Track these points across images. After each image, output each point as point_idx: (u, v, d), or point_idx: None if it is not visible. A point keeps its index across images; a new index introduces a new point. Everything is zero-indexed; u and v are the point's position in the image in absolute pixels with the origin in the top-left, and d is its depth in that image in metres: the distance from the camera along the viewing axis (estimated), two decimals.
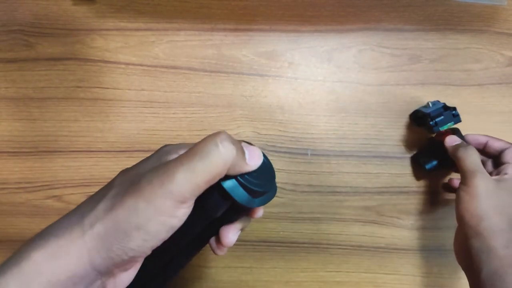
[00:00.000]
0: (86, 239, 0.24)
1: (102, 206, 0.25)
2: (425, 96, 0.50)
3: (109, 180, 0.29)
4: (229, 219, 0.30)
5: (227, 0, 0.49)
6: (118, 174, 0.29)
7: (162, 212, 0.24)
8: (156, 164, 0.27)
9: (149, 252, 0.25)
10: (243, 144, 0.28)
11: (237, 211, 0.29)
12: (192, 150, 0.25)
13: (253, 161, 0.27)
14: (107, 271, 0.25)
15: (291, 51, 0.50)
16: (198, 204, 0.25)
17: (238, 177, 0.26)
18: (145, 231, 0.24)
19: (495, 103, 0.50)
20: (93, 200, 0.27)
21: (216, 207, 0.27)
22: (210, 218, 0.28)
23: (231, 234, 0.30)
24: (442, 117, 0.44)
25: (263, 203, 0.28)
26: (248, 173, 0.27)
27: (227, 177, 0.26)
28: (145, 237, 0.24)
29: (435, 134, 0.49)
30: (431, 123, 0.44)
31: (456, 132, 0.48)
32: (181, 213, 0.25)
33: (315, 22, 0.49)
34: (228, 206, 0.28)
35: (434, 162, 0.47)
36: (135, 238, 0.24)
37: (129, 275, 0.27)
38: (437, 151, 0.48)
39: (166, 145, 0.30)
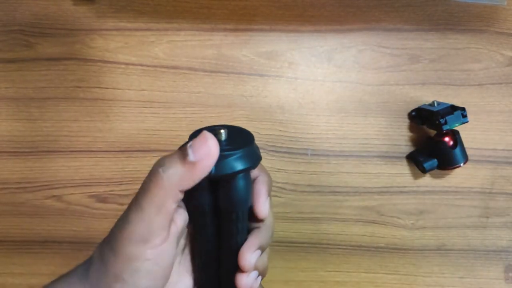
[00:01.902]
0: None
1: (91, 267, 0.25)
2: (425, 96, 0.50)
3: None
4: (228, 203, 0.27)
5: (227, 0, 0.49)
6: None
7: (130, 259, 0.23)
8: None
9: None
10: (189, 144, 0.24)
11: (227, 190, 0.26)
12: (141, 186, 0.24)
13: (198, 155, 0.23)
14: None
15: (291, 51, 0.50)
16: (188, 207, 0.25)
17: None
18: (122, 282, 0.23)
19: (495, 103, 0.50)
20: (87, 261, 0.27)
21: (196, 196, 0.26)
22: (204, 211, 0.27)
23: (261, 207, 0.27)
24: (452, 115, 0.45)
25: (240, 165, 0.25)
26: (221, 147, 0.24)
27: None
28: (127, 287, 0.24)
29: (434, 134, 0.49)
30: (440, 120, 0.44)
31: (456, 133, 0.48)
32: (150, 254, 0.23)
33: (315, 22, 0.49)
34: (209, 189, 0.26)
35: (434, 162, 0.47)
36: None
37: None
38: (436, 150, 0.48)
39: None
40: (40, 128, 0.50)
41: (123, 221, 0.24)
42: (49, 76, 0.50)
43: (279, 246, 0.51)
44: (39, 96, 0.50)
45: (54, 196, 0.51)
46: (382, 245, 0.51)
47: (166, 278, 0.25)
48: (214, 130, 0.25)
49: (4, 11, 0.49)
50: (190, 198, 0.26)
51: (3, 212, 0.51)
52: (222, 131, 0.25)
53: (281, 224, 0.51)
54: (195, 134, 0.25)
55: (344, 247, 0.51)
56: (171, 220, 0.25)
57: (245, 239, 0.28)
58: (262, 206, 0.27)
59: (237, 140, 0.26)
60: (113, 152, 0.50)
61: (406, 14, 0.49)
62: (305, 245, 0.51)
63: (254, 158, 0.26)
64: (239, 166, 0.24)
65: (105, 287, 0.24)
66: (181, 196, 0.24)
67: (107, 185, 0.50)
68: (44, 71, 0.49)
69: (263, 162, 0.51)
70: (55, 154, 0.50)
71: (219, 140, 0.24)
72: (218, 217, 0.27)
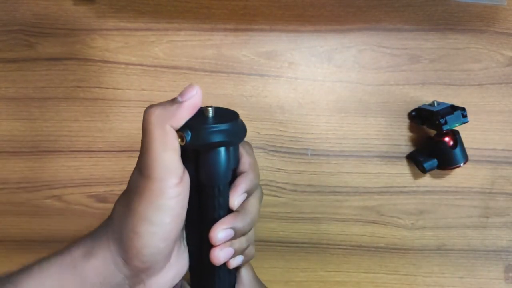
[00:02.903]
0: (110, 243, 0.27)
1: (115, 215, 0.28)
2: (425, 96, 0.50)
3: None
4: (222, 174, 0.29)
5: (227, 0, 0.49)
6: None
7: (154, 197, 0.25)
8: None
9: (162, 245, 0.26)
10: None
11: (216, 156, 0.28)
12: None
13: (184, 97, 0.26)
14: (132, 275, 0.27)
15: (291, 51, 0.50)
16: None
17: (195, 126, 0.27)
18: (148, 221, 0.25)
19: (495, 103, 0.50)
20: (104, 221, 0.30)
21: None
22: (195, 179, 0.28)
23: (234, 197, 0.30)
24: (452, 115, 0.45)
25: (227, 136, 0.27)
26: (204, 121, 0.27)
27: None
28: (151, 228, 0.25)
29: (434, 134, 0.49)
30: (441, 120, 0.44)
31: (456, 133, 0.48)
32: (172, 193, 0.26)
33: (315, 22, 0.49)
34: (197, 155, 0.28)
35: (434, 162, 0.47)
36: (143, 234, 0.25)
37: (160, 280, 0.28)
38: (436, 150, 0.48)
39: None
40: (40, 128, 0.50)
41: (139, 164, 0.27)
42: (49, 76, 0.50)
43: (279, 246, 0.51)
44: (40, 96, 0.50)
45: (54, 196, 0.51)
46: (382, 245, 0.51)
47: (183, 220, 0.28)
48: (201, 108, 0.28)
49: (4, 11, 0.49)
50: None
51: (3, 212, 0.51)
52: (210, 108, 0.28)
53: (281, 224, 0.51)
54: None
55: (344, 247, 0.51)
56: (181, 161, 0.27)
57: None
58: (234, 197, 0.29)
59: (222, 118, 0.28)
60: (113, 152, 0.50)
61: (406, 14, 0.49)
62: (305, 245, 0.51)
63: (232, 134, 0.28)
64: (215, 138, 0.27)
65: (129, 230, 0.26)
66: (178, 137, 0.27)
67: (107, 185, 0.50)
68: (44, 71, 0.49)
69: (263, 162, 0.51)
70: (55, 154, 0.50)
71: (206, 117, 0.28)
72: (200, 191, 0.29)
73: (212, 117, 0.28)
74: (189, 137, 0.26)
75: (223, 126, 0.27)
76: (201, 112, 0.28)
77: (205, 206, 0.29)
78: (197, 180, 0.28)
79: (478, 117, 0.50)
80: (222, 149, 0.28)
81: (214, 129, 0.27)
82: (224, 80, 0.50)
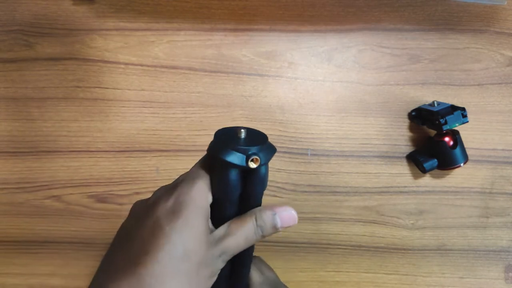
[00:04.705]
0: None
1: None
2: (425, 96, 0.50)
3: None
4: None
5: (227, 0, 0.49)
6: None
7: None
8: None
9: None
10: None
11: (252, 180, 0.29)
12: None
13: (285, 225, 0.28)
14: None
15: (291, 51, 0.50)
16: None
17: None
18: None
19: (495, 103, 0.50)
20: None
21: (228, 180, 0.28)
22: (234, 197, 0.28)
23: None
24: (452, 115, 0.45)
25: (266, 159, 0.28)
26: (238, 142, 0.28)
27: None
28: None
29: (434, 134, 0.49)
30: (441, 120, 0.44)
31: (456, 133, 0.48)
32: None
33: (315, 22, 0.49)
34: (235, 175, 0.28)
35: (434, 162, 0.47)
36: None
37: None
38: (436, 150, 0.48)
39: (136, 204, 0.30)
40: (40, 128, 0.50)
41: None
42: (48, 76, 0.49)
43: (279, 246, 0.51)
44: (39, 96, 0.50)
45: (53, 196, 0.51)
46: (382, 245, 0.51)
47: None
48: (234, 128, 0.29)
49: (3, 11, 0.49)
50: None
51: (2, 212, 0.51)
52: (243, 130, 0.29)
53: None
54: (220, 134, 0.29)
55: (344, 247, 0.51)
56: None
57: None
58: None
59: (254, 140, 0.28)
60: (113, 152, 0.50)
61: (406, 14, 0.49)
62: (305, 245, 0.51)
63: (239, 159, 0.28)
64: (230, 159, 0.27)
65: None
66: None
67: (106, 185, 0.50)
68: (43, 71, 0.49)
69: None
70: (54, 154, 0.50)
71: (239, 138, 0.28)
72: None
73: (245, 138, 0.28)
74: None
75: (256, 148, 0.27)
76: (235, 132, 0.28)
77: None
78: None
79: (478, 117, 0.50)
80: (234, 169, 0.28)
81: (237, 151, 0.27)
82: (224, 80, 0.50)
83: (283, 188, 0.51)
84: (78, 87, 0.50)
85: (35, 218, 0.51)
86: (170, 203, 0.25)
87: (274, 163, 0.50)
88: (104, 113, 0.50)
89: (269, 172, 0.51)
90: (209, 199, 0.27)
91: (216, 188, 0.27)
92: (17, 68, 0.49)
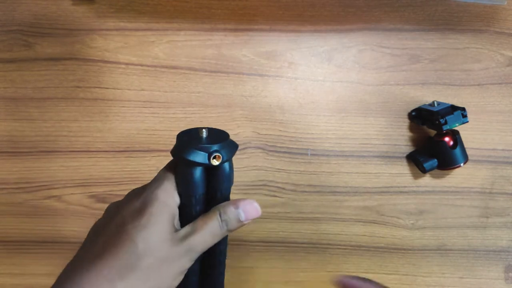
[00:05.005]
0: None
1: None
2: (425, 96, 0.50)
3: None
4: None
5: (227, 0, 0.49)
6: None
7: None
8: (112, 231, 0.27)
9: None
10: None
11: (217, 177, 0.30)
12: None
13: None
14: None
15: (291, 51, 0.50)
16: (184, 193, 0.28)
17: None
18: None
19: (495, 103, 0.50)
20: None
21: (190, 178, 0.28)
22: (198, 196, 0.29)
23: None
24: (452, 115, 0.45)
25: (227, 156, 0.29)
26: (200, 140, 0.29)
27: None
28: None
29: (434, 134, 0.49)
30: (441, 120, 0.44)
31: (456, 133, 0.48)
32: None
33: (315, 22, 0.49)
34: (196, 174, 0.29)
35: (434, 162, 0.47)
36: None
37: None
38: (436, 150, 0.48)
39: (111, 204, 0.31)
40: (40, 128, 0.50)
41: None
42: (48, 76, 0.49)
43: (279, 247, 0.51)
44: (39, 96, 0.49)
45: (53, 196, 0.51)
46: (382, 245, 0.51)
47: None
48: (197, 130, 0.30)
49: (3, 11, 0.49)
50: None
51: (2, 212, 0.51)
52: (204, 130, 0.30)
53: (281, 224, 0.51)
54: (182, 135, 0.30)
55: (344, 247, 0.51)
56: None
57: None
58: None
59: (216, 139, 0.29)
60: (113, 152, 0.50)
61: (406, 14, 0.49)
62: (305, 245, 0.51)
63: (201, 157, 0.28)
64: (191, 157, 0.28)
65: None
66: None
67: (106, 185, 0.50)
68: (43, 71, 0.49)
69: (263, 162, 0.51)
70: (54, 154, 0.50)
71: (200, 137, 0.29)
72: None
73: (207, 137, 0.29)
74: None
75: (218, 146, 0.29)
76: (196, 132, 0.30)
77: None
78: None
79: (478, 117, 0.50)
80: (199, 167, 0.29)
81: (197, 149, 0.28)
82: (224, 80, 0.50)
83: (283, 188, 0.51)
84: (78, 87, 0.50)
85: (34, 218, 0.51)
86: (137, 203, 0.27)
87: (274, 163, 0.50)
88: (104, 113, 0.50)
89: (269, 172, 0.51)
90: (176, 199, 0.28)
91: (182, 187, 0.28)
92: (17, 68, 0.49)
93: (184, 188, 0.28)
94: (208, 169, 0.29)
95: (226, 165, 0.30)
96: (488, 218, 0.51)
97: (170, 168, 0.29)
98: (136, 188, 0.30)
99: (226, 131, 0.31)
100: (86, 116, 0.50)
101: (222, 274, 0.32)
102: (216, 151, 0.28)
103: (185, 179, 0.28)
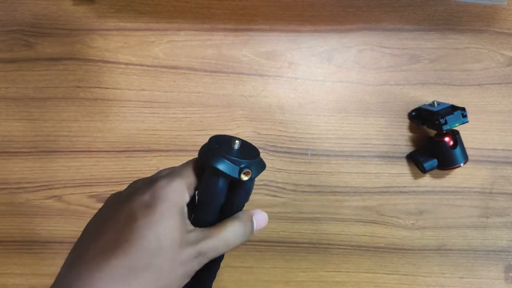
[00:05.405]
0: None
1: None
2: (425, 96, 0.50)
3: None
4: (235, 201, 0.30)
5: (227, 0, 0.49)
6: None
7: None
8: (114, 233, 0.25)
9: None
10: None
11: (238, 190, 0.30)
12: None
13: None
14: None
15: (291, 51, 0.50)
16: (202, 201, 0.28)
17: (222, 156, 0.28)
18: None
19: (495, 103, 0.50)
20: None
21: (213, 188, 0.28)
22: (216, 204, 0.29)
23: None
24: (452, 115, 0.45)
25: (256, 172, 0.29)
26: (230, 152, 0.28)
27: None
28: None
29: (434, 134, 0.49)
30: (441, 120, 0.44)
31: (456, 133, 0.48)
32: None
33: (315, 22, 0.49)
34: (222, 185, 0.29)
35: (434, 162, 0.47)
36: None
37: None
38: (436, 150, 0.48)
39: (111, 196, 0.30)
40: (40, 128, 0.50)
41: None
42: (49, 76, 0.49)
43: (279, 247, 0.51)
44: (39, 96, 0.50)
45: (54, 196, 0.51)
46: (382, 245, 0.51)
47: None
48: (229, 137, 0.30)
49: (4, 11, 0.49)
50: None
51: (3, 212, 0.51)
52: (237, 142, 0.29)
53: (282, 224, 0.51)
54: (213, 141, 0.29)
55: (344, 247, 0.51)
56: None
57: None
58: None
59: (247, 153, 0.29)
60: (113, 152, 0.50)
61: (406, 14, 0.49)
62: (306, 245, 0.51)
63: (231, 169, 0.28)
64: (220, 166, 0.28)
65: None
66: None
67: (107, 185, 0.50)
68: (44, 71, 0.49)
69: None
70: (55, 154, 0.50)
71: (232, 148, 0.29)
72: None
73: (238, 149, 0.29)
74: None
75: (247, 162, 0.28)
76: (229, 142, 0.29)
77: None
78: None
79: (478, 117, 0.50)
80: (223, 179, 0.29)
81: (226, 160, 0.28)
82: (224, 80, 0.50)
83: (283, 188, 0.51)
84: (78, 87, 0.50)
85: (36, 218, 0.51)
86: (146, 197, 0.26)
87: (274, 163, 0.50)
88: (104, 113, 0.50)
89: (269, 172, 0.51)
90: (186, 198, 0.27)
91: (203, 193, 0.28)
92: (17, 68, 0.49)
93: (204, 194, 0.28)
94: (233, 181, 0.29)
95: (251, 182, 0.29)
96: (488, 218, 0.51)
97: (192, 167, 0.29)
98: (140, 180, 0.29)
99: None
100: (86, 116, 0.50)
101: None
102: (247, 167, 0.28)
103: (209, 186, 0.28)
